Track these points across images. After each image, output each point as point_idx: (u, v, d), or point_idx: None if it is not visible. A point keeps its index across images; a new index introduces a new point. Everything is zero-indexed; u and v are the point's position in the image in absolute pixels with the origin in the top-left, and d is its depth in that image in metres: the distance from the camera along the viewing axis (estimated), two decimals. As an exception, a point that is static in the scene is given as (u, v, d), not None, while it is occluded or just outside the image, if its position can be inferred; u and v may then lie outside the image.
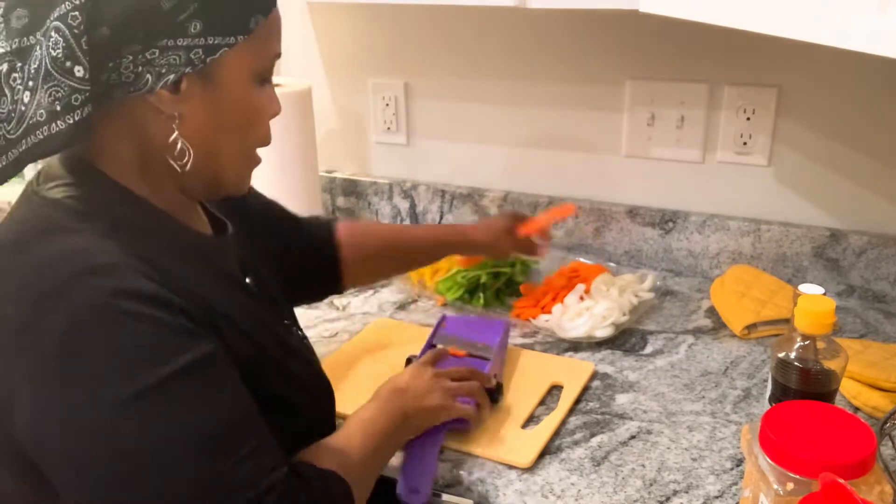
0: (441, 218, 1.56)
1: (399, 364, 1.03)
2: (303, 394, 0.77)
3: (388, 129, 1.58)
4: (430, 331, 1.12)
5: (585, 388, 1.04)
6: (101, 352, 0.57)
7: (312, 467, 0.69)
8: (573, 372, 1.07)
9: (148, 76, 0.63)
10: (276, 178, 1.42)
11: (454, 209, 1.54)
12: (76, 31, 0.59)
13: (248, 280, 0.79)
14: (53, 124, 0.61)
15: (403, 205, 1.59)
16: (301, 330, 0.87)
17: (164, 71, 0.63)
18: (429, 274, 1.34)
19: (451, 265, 1.33)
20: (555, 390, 1.04)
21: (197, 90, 0.65)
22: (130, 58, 0.62)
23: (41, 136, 0.61)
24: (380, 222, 1.54)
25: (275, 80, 1.36)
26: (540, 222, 1.22)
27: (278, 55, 0.71)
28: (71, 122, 0.61)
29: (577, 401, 1.02)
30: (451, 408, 0.90)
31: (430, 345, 1.07)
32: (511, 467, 0.89)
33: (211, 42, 0.64)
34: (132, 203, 0.67)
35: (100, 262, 0.60)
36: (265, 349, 0.72)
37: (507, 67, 1.44)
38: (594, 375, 1.07)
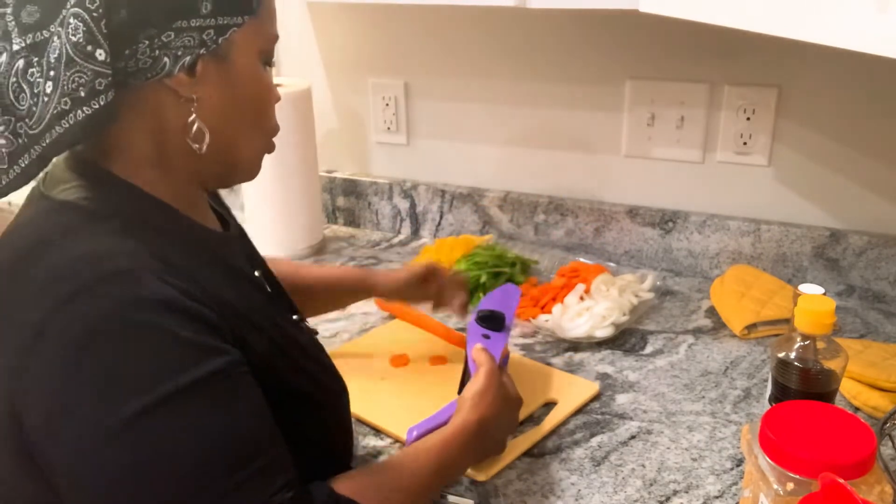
0: (441, 218, 1.56)
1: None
2: (320, 391, 0.76)
3: (388, 129, 1.58)
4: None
5: (581, 408, 1.00)
6: (110, 365, 0.57)
7: (330, 492, 0.65)
8: (572, 390, 1.03)
9: (165, 59, 0.63)
10: (276, 178, 1.42)
11: (454, 209, 1.54)
12: (95, 14, 0.60)
13: (256, 274, 0.79)
14: (79, 111, 0.61)
15: (403, 205, 1.59)
16: (306, 323, 0.85)
17: (180, 53, 0.64)
18: (429, 274, 1.34)
19: (451, 265, 1.33)
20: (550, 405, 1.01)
21: (212, 72, 0.66)
22: (147, 42, 0.63)
23: (66, 125, 0.61)
24: (287, 260, 1.26)
25: (275, 80, 1.38)
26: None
27: (277, 37, 0.72)
28: (96, 106, 0.61)
29: (566, 420, 0.98)
30: (505, 447, 0.89)
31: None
32: (510, 467, 0.89)
33: (221, 22, 0.65)
34: (144, 201, 0.67)
35: (118, 267, 0.59)
36: (281, 347, 0.72)
37: (507, 67, 1.44)
38: (598, 394, 1.03)
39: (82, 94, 0.61)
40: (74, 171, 0.67)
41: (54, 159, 0.67)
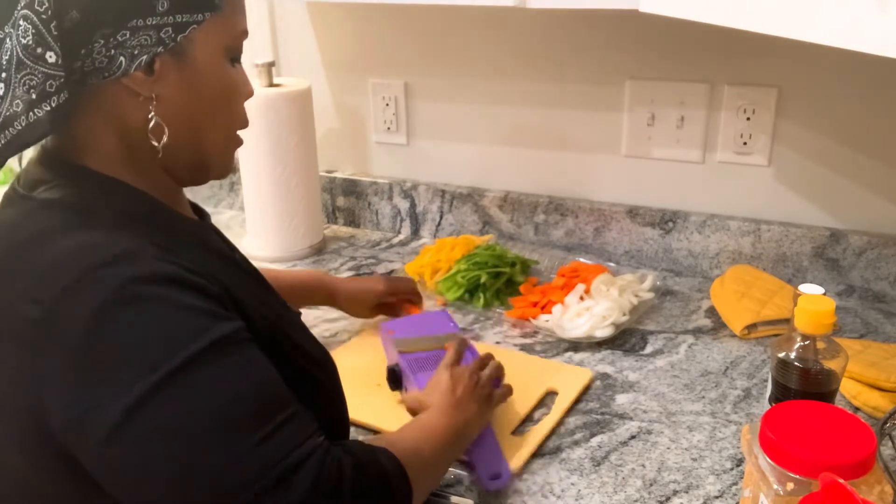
0: (441, 218, 1.56)
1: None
2: (315, 366, 0.77)
3: (388, 129, 1.58)
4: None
5: (583, 394, 1.03)
6: (127, 339, 0.57)
7: (356, 441, 0.68)
8: (570, 377, 1.06)
9: (121, 59, 0.63)
10: (276, 177, 1.42)
11: (454, 209, 1.54)
12: (44, 16, 0.59)
13: (237, 257, 0.79)
14: (31, 113, 0.61)
15: (403, 205, 1.59)
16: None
17: (136, 52, 0.63)
18: (429, 274, 1.34)
19: (451, 265, 1.33)
20: (552, 395, 1.03)
21: (171, 70, 0.66)
22: (102, 42, 0.62)
23: (19, 128, 0.61)
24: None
25: (275, 80, 1.38)
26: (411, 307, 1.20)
27: (246, 32, 0.71)
28: (48, 108, 0.61)
29: (574, 404, 1.01)
30: (495, 396, 0.91)
31: (394, 351, 1.04)
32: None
33: (180, 20, 0.64)
34: (127, 193, 0.67)
35: (117, 250, 0.60)
36: (276, 324, 0.73)
37: (507, 67, 1.44)
38: (592, 381, 1.06)
39: (33, 96, 0.60)
40: (53, 170, 0.67)
41: (28, 159, 0.67)
